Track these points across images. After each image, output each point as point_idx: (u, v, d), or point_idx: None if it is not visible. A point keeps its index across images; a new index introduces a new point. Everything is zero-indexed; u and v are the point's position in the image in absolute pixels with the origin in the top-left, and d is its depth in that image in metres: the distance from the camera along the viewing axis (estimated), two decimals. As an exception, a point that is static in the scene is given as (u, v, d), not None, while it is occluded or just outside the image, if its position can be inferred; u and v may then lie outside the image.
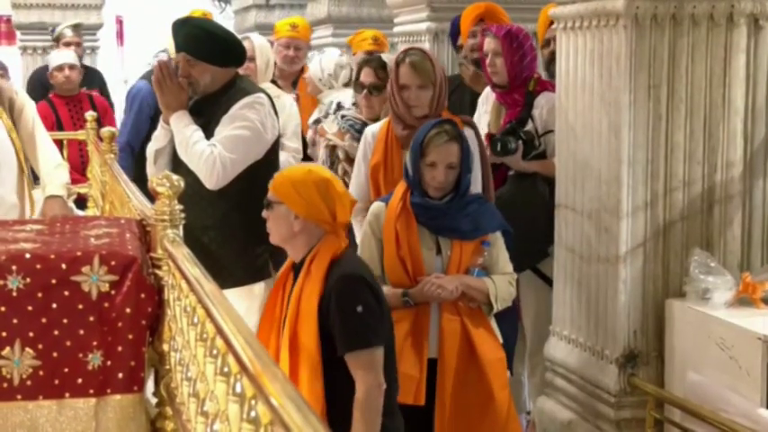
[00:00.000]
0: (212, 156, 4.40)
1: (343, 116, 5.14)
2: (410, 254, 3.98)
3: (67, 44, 8.02)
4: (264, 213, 3.63)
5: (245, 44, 5.96)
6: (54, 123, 6.94)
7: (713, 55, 4.28)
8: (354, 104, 5.37)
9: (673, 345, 4.28)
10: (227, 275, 4.50)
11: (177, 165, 4.49)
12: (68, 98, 7.26)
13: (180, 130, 4.48)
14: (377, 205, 4.17)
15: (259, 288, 4.67)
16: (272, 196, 3.58)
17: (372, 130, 4.62)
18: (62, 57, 7.48)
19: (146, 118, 6.19)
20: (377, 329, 3.45)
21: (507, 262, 4.14)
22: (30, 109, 4.77)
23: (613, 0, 4.24)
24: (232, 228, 4.54)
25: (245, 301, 4.56)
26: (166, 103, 4.52)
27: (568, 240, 4.67)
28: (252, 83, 4.85)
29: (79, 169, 6.42)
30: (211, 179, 4.43)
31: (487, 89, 5.38)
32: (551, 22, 5.61)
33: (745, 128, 4.35)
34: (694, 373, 4.14)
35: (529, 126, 5.05)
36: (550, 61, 5.51)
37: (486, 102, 5.36)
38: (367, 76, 4.99)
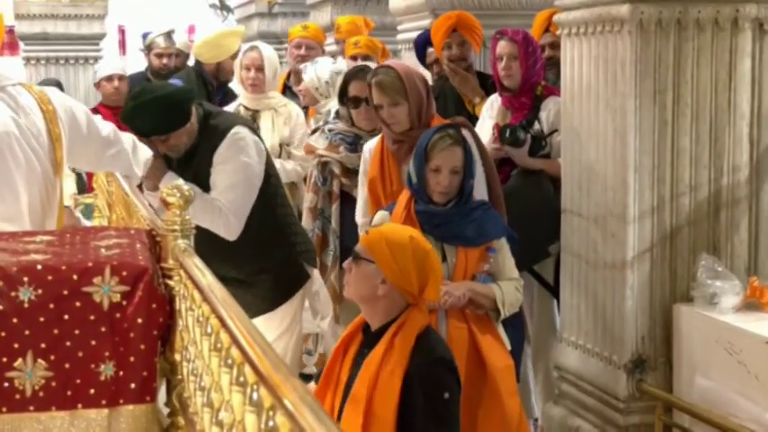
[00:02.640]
0: (222, 212, 4.35)
1: (330, 130, 5.09)
2: None
3: (159, 55, 7.69)
4: (347, 264, 3.49)
5: (253, 53, 5.96)
6: None
7: (718, 59, 4.29)
8: (338, 118, 5.32)
9: (681, 350, 4.28)
10: (272, 299, 4.58)
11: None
12: (116, 108, 7.03)
13: None
14: (381, 214, 4.18)
15: (300, 295, 4.73)
16: (362, 251, 3.42)
17: (369, 146, 4.63)
18: (111, 67, 7.27)
19: None
20: (458, 417, 3.41)
21: (513, 268, 4.13)
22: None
23: (618, 6, 4.25)
24: (265, 256, 4.55)
25: (290, 313, 4.67)
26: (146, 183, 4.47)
27: (575, 246, 4.67)
28: (220, 114, 4.71)
29: None
30: (229, 232, 4.39)
31: (492, 97, 5.38)
32: (546, 29, 5.63)
33: (750, 132, 4.35)
34: (703, 378, 4.14)
35: (536, 127, 5.08)
36: (546, 67, 5.53)
37: (491, 108, 5.37)
38: (362, 90, 4.87)
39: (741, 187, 4.37)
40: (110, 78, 7.14)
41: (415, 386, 3.28)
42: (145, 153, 4.16)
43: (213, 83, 6.30)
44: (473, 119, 5.46)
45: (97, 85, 7.22)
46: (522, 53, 5.08)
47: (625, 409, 4.37)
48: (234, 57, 6.25)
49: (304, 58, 6.72)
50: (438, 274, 3.45)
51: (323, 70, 5.92)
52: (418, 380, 3.29)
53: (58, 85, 8.30)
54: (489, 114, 5.36)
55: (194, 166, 4.41)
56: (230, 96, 6.58)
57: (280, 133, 5.84)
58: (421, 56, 6.18)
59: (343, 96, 5.02)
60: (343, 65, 6.09)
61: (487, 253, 4.03)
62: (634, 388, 4.36)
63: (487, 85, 5.67)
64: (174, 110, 4.31)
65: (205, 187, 4.37)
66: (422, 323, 3.40)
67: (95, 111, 7.05)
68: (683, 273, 4.35)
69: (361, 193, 4.65)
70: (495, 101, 5.35)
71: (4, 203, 3.28)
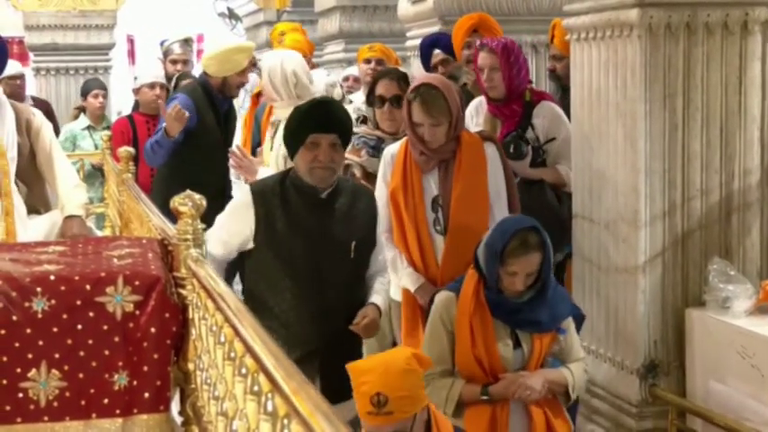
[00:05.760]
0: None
1: (354, 133, 5.08)
2: (486, 353, 3.76)
3: (174, 62, 7.57)
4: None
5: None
6: (131, 140, 6.68)
7: (728, 63, 4.29)
8: (363, 121, 5.31)
9: (693, 354, 4.28)
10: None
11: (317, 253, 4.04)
12: (149, 116, 6.97)
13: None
14: (446, 296, 3.90)
15: None
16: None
17: (391, 151, 4.52)
18: (154, 75, 7.17)
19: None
20: None
21: (580, 347, 3.97)
22: (47, 130, 4.78)
23: (627, 10, 4.25)
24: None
25: None
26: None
27: (586, 251, 4.67)
28: None
29: (148, 190, 5.90)
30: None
31: (475, 102, 5.28)
32: (551, 39, 5.61)
33: (761, 135, 4.35)
34: (716, 382, 4.13)
35: (530, 135, 5.00)
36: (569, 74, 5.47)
37: (477, 115, 5.25)
38: (388, 89, 4.87)
39: (752, 191, 4.36)
40: (152, 86, 7.08)
41: None
42: (81, 197, 4.35)
43: (219, 96, 6.25)
44: None
45: (136, 91, 7.15)
46: (503, 63, 4.95)
47: (638, 414, 4.36)
48: (241, 73, 6.17)
49: None
50: None
51: (318, 83, 5.94)
52: None
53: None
54: (475, 122, 5.22)
55: (340, 210, 4.03)
56: (233, 111, 6.49)
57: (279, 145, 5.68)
58: (426, 58, 6.16)
59: (370, 95, 5.01)
60: (333, 77, 6.07)
61: (558, 334, 3.85)
62: (647, 392, 4.35)
63: None
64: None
65: (349, 234, 4.02)
66: None
67: (130, 119, 7.04)
68: (694, 277, 4.35)
69: (379, 199, 4.45)
70: (479, 106, 5.24)
71: None
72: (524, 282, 3.73)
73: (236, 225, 4.01)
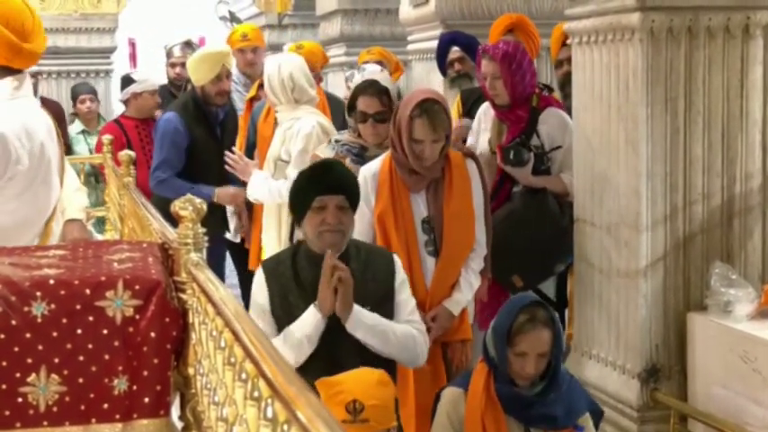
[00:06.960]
0: (419, 335, 3.84)
1: (337, 141, 5.04)
2: None
3: (173, 65, 7.64)
4: None
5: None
6: (125, 145, 6.60)
7: (730, 67, 4.28)
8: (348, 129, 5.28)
9: (695, 358, 4.27)
10: None
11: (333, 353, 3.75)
12: (139, 120, 6.98)
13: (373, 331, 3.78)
14: (453, 392, 3.71)
15: None
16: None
17: (372, 170, 4.37)
18: (155, 81, 7.20)
19: (181, 150, 6.07)
20: None
21: None
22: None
23: (628, 14, 4.24)
24: None
25: None
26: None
27: (587, 255, 4.66)
28: None
29: (148, 193, 5.77)
30: (417, 359, 3.89)
31: (484, 107, 5.25)
32: (563, 43, 5.57)
33: (763, 139, 4.35)
34: (717, 387, 4.12)
35: (535, 142, 4.97)
36: (565, 82, 5.45)
37: (485, 119, 5.23)
38: (369, 105, 4.73)
39: (754, 194, 4.36)
40: (153, 93, 7.06)
41: None
42: (82, 201, 4.32)
43: (211, 108, 6.18)
44: None
45: (136, 95, 7.06)
46: (505, 71, 4.89)
47: (639, 419, 4.35)
48: (216, 81, 6.08)
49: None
50: None
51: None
52: None
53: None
54: (484, 127, 5.21)
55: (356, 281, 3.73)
56: (231, 117, 6.41)
57: (275, 148, 5.60)
58: (443, 54, 6.12)
59: (351, 109, 4.96)
60: (386, 73, 6.00)
61: (575, 431, 3.65)
62: (648, 397, 4.34)
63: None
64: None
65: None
66: None
67: (117, 122, 6.99)
68: (696, 281, 4.34)
69: (358, 220, 4.19)
70: (488, 110, 5.20)
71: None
72: (535, 364, 3.55)
73: (258, 305, 3.85)
